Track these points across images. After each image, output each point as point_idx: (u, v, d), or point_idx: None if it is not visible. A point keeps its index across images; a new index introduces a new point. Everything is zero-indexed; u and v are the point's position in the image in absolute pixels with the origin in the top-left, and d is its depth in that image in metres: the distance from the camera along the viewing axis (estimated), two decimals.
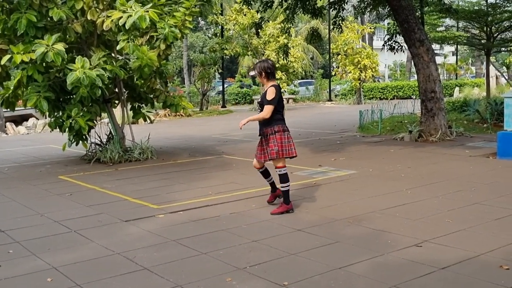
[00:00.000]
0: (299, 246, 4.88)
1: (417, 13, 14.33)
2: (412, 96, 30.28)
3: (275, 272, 4.26)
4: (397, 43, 15.49)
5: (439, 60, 34.41)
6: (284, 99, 6.47)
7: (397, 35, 15.45)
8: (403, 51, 16.25)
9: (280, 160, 6.01)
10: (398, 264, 4.33)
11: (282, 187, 6.09)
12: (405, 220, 5.62)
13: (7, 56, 9.08)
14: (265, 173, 6.28)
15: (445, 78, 44.15)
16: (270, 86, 5.95)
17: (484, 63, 23.55)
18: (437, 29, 22.24)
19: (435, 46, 28.36)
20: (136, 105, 11.68)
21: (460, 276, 4.03)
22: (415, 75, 14.58)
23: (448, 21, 24.40)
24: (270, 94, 5.91)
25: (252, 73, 6.15)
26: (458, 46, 35.24)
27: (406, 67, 47.46)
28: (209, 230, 5.52)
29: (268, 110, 5.89)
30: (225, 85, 30.49)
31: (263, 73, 5.99)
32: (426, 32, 13.74)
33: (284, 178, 6.04)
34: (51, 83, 9.81)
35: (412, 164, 9.07)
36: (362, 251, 4.68)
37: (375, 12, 18.73)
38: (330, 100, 32.60)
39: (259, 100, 6.13)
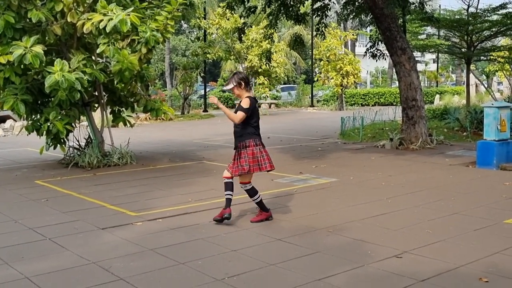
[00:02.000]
0: (279, 256, 4.82)
1: (399, 21, 14.41)
2: (393, 103, 30.52)
3: (254, 283, 4.19)
4: (379, 51, 15.57)
5: (420, 67, 34.71)
6: (259, 110, 6.32)
7: (379, 43, 15.54)
8: (385, 59, 16.36)
9: (247, 176, 5.91)
10: (378, 276, 4.29)
11: (254, 200, 6.02)
12: (385, 230, 5.60)
13: None
14: (230, 186, 5.95)
15: (426, 85, 44.59)
16: (246, 97, 5.85)
17: (465, 71, 23.81)
18: (419, 37, 22.43)
19: (417, 54, 28.66)
20: (116, 109, 11.52)
21: None
22: (397, 82, 14.68)
23: (430, 29, 24.64)
24: (246, 103, 5.80)
25: (228, 86, 5.92)
26: (439, 54, 35.62)
27: (387, 73, 47.90)
28: (188, 238, 5.43)
29: (240, 115, 5.76)
30: (207, 89, 30.37)
31: (243, 83, 5.88)
32: (408, 41, 13.83)
33: (251, 192, 5.97)
34: (29, 85, 9.62)
35: (393, 172, 9.08)
36: (342, 261, 4.64)
37: (357, 19, 18.84)
38: (312, 105, 32.68)
39: (234, 110, 5.96)
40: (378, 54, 15.54)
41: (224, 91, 33.94)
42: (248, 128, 5.86)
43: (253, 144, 5.84)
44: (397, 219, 6.01)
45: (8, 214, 6.56)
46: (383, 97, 33.81)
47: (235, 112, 5.86)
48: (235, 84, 5.88)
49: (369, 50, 15.61)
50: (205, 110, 27.91)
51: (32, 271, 4.52)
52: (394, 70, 13.90)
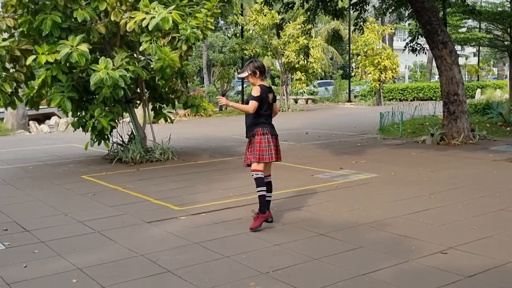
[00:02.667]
0: (322, 250, 4.86)
1: (439, 14, 14.18)
2: (432, 98, 30.01)
3: (299, 277, 4.24)
4: (419, 45, 15.36)
5: (460, 61, 34.05)
6: (273, 101, 6.01)
7: (419, 37, 15.33)
8: (425, 53, 16.13)
9: (259, 164, 5.74)
10: (423, 271, 4.29)
11: (257, 191, 5.73)
12: (429, 225, 5.56)
13: (32, 57, 9.20)
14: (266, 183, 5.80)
15: (467, 79, 43.64)
16: (257, 85, 5.73)
17: (507, 64, 23.20)
18: (459, 30, 22.00)
19: (457, 47, 28.04)
20: (157, 106, 11.75)
21: (487, 285, 3.97)
22: (436, 76, 14.45)
23: (471, 22, 24.11)
24: (256, 91, 5.67)
25: (243, 74, 5.82)
26: (480, 47, 34.81)
27: (426, 68, 47.07)
28: (232, 233, 5.52)
29: (252, 105, 5.61)
30: (244, 85, 30.49)
31: (257, 72, 5.74)
32: (449, 34, 13.59)
33: (258, 182, 5.71)
34: (74, 83, 9.90)
35: (435, 168, 8.97)
36: (386, 257, 4.65)
37: (395, 13, 18.59)
38: (349, 101, 32.44)
39: (246, 100, 5.88)
40: (418, 48, 15.33)
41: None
42: (257, 117, 5.72)
43: (261, 133, 5.71)
44: (441, 215, 5.96)
45: (58, 207, 6.80)
46: (422, 92, 33.28)
47: (247, 102, 5.75)
48: (249, 72, 5.76)
49: (409, 45, 15.41)
50: None
51: (84, 263, 4.69)
52: (433, 64, 13.69)
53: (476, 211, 6.09)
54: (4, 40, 9.37)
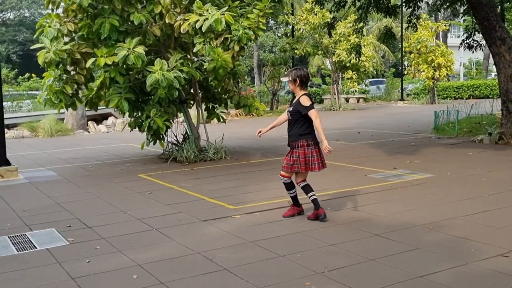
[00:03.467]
0: (378, 251, 4.83)
1: (497, 10, 13.74)
2: (489, 96, 29.07)
3: (354, 278, 4.24)
4: (475, 42, 14.93)
5: None
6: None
7: (476, 33, 14.90)
8: (482, 50, 15.65)
9: (301, 174, 5.97)
10: (483, 274, 4.19)
11: (311, 195, 5.97)
12: (488, 227, 5.43)
13: (92, 59, 9.53)
14: (307, 188, 6.00)
15: None
16: (303, 95, 5.84)
17: None
18: None
19: None
20: (210, 106, 11.94)
21: None
22: (493, 74, 13.96)
23: None
24: (307, 101, 5.77)
25: (285, 78, 6.12)
26: None
27: (483, 65, 45.59)
28: (286, 232, 5.56)
29: (316, 113, 5.75)
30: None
31: (298, 80, 5.85)
32: (507, 30, 13.14)
33: (288, 186, 6.03)
34: (131, 84, 10.20)
35: (493, 168, 8.72)
36: (444, 259, 4.57)
37: (450, 9, 18.13)
38: (402, 99, 31.83)
39: (290, 108, 5.92)
40: (475, 45, 14.89)
41: (311, 86, 33.92)
42: (302, 126, 5.83)
43: (305, 144, 5.81)
44: (501, 217, 5.80)
45: (117, 205, 7.03)
46: (478, 90, 32.25)
47: (292, 116, 5.85)
48: (290, 79, 5.91)
49: (465, 41, 15.00)
50: None
51: (143, 259, 4.85)
52: (490, 61, 13.26)
53: None
54: (65, 44, 9.74)
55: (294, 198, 6.16)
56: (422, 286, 4.01)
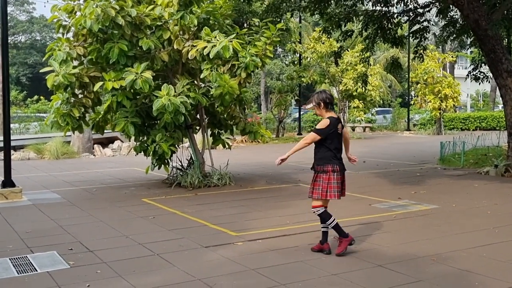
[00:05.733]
0: (381, 283, 4.77)
1: (504, 42, 13.82)
2: (496, 128, 29.01)
3: None
4: (482, 73, 14.98)
5: None
6: (348, 133, 6.05)
7: (482, 65, 14.95)
8: (489, 82, 15.69)
9: (320, 200, 5.73)
10: None
11: (323, 226, 5.79)
12: (493, 261, 5.36)
13: (100, 83, 9.63)
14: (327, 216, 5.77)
15: None
16: (326, 118, 5.69)
17: None
18: None
19: None
20: (216, 131, 11.98)
21: None
22: (500, 106, 13.94)
23: None
24: (321, 124, 5.65)
25: (308, 106, 5.85)
26: None
27: (490, 97, 45.65)
28: (288, 260, 5.51)
29: (310, 137, 5.64)
30: (301, 112, 30.58)
31: (322, 104, 5.70)
32: None
33: (324, 216, 5.72)
34: (138, 108, 10.26)
35: (499, 201, 8.65)
36: None
37: (457, 40, 18.25)
38: (408, 129, 31.84)
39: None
40: (481, 76, 14.94)
41: (317, 115, 34.02)
42: (326, 151, 5.66)
43: (331, 170, 5.64)
44: (507, 250, 5.73)
45: (119, 229, 7.01)
46: (485, 121, 32.23)
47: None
48: (314, 104, 5.77)
49: (472, 73, 15.05)
50: (299, 133, 28.09)
51: (143, 285, 4.81)
52: (497, 93, 13.28)
53: None
54: (74, 67, 9.86)
55: (337, 228, 5.71)
56: None
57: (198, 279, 4.95)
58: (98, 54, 9.90)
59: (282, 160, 5.90)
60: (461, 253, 5.65)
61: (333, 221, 5.72)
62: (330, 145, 5.67)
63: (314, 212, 5.81)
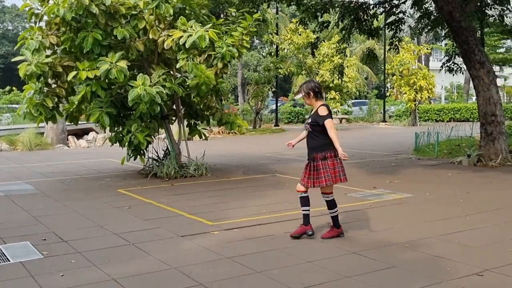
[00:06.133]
0: (355, 269, 4.83)
1: (477, 34, 14.03)
2: (469, 119, 29.50)
3: None
4: (456, 65, 15.19)
5: (499, 82, 33.34)
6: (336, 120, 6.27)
7: (456, 56, 15.16)
8: (462, 73, 15.92)
9: (329, 187, 5.82)
10: None
11: (331, 212, 5.92)
12: (464, 247, 5.47)
13: (73, 73, 9.49)
14: (305, 201, 5.91)
15: (505, 101, 42.73)
16: (321, 105, 5.79)
17: None
18: (498, 50, 21.67)
19: (495, 68, 27.58)
20: (192, 122, 11.93)
21: None
22: (473, 97, 14.21)
23: (510, 42, 23.73)
24: (325, 110, 5.73)
25: (298, 95, 5.91)
26: None
27: (463, 88, 46.38)
28: (264, 249, 5.54)
29: (332, 123, 5.70)
30: (279, 104, 30.63)
31: (311, 93, 5.80)
32: (486, 54, 13.41)
33: (332, 203, 5.88)
34: (113, 99, 10.15)
35: (471, 189, 8.81)
36: (420, 277, 4.59)
37: (432, 32, 18.47)
38: (384, 121, 32.17)
39: (309, 120, 5.85)
40: (455, 68, 15.15)
41: (294, 106, 34.13)
42: (326, 137, 5.72)
43: (333, 155, 5.73)
44: (477, 237, 5.85)
45: (94, 220, 6.94)
46: (458, 113, 32.73)
47: (312, 127, 5.75)
48: (303, 93, 5.84)
49: (446, 64, 15.25)
50: (276, 125, 28.15)
51: (118, 274, 4.78)
52: (470, 85, 13.50)
53: None
54: (47, 56, 9.70)
55: (335, 219, 5.93)
56: None
57: (173, 268, 4.94)
58: (72, 43, 9.75)
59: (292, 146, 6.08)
60: (433, 240, 5.75)
61: (336, 211, 5.91)
62: (325, 131, 5.74)
63: (324, 197, 5.87)
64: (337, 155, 5.72)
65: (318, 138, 5.77)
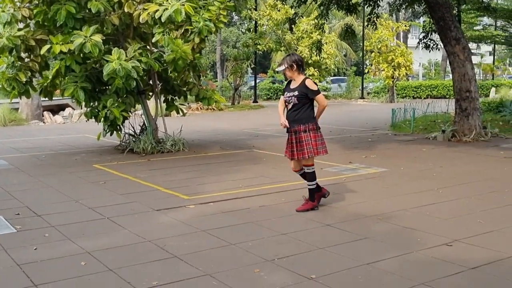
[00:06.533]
0: (328, 240, 4.91)
1: (454, 11, 14.10)
2: (446, 96, 29.83)
3: (303, 265, 4.29)
4: (432, 41, 15.28)
5: (475, 59, 33.69)
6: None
7: (433, 33, 15.25)
8: (439, 49, 16.03)
9: (311, 159, 5.88)
10: (427, 262, 4.31)
11: (309, 185, 5.99)
12: (435, 219, 5.58)
13: (47, 46, 9.32)
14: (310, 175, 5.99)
15: (481, 78, 43.26)
16: (307, 79, 5.83)
17: None
18: (474, 28, 21.85)
19: (472, 46, 27.79)
20: (170, 98, 11.84)
21: (490, 277, 3.99)
22: (450, 75, 14.35)
23: (486, 20, 23.93)
24: (313, 85, 5.82)
25: (281, 67, 5.89)
26: (496, 45, 34.46)
27: (441, 66, 46.75)
28: (239, 222, 5.59)
29: (323, 98, 5.86)
30: (257, 80, 30.53)
31: (294, 66, 5.79)
32: (462, 31, 13.51)
33: (312, 176, 5.94)
34: (88, 73, 10.01)
35: (445, 164, 8.96)
36: (391, 248, 4.68)
37: (410, 9, 18.52)
38: (362, 97, 32.35)
39: (295, 93, 5.78)
40: (432, 44, 15.25)
41: (273, 83, 34.06)
42: (311, 110, 5.82)
43: (315, 128, 5.84)
44: (448, 209, 5.97)
45: (69, 194, 6.91)
46: (435, 90, 33.06)
47: (298, 100, 5.74)
48: (286, 66, 5.81)
49: (422, 41, 15.34)
50: (255, 101, 28.11)
51: (92, 247, 4.78)
52: (448, 62, 13.61)
53: (484, 206, 6.09)
54: (19, 30, 9.49)
55: (312, 192, 5.97)
56: (367, 273, 4.10)
57: (148, 241, 4.96)
58: (45, 16, 9.54)
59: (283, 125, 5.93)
60: (406, 212, 5.85)
61: (315, 184, 5.96)
62: (311, 105, 5.83)
63: (307, 170, 5.92)
64: (319, 127, 5.86)
65: (302, 111, 5.79)
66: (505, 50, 43.16)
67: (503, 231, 5.11)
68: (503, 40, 21.26)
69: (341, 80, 38.41)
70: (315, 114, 5.91)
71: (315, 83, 5.94)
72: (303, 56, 25.79)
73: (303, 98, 5.78)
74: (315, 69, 26.87)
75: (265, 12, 25.50)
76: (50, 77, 10.60)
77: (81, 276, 4.10)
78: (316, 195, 6.06)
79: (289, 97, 5.86)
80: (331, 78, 35.81)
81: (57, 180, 7.95)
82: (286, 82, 6.21)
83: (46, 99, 11.29)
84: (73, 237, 5.08)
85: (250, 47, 25.87)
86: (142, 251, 4.68)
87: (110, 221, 5.66)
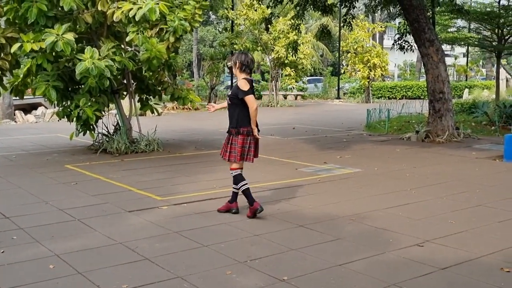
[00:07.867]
0: (301, 242, 4.90)
1: (428, 13, 14.26)
2: (421, 97, 30.19)
3: (275, 266, 4.27)
4: (407, 43, 15.43)
5: (449, 61, 34.23)
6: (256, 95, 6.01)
7: (407, 35, 15.40)
8: (413, 51, 16.20)
9: (234, 163, 5.71)
10: (398, 262, 4.33)
11: (233, 187, 5.84)
12: (407, 219, 5.62)
13: (17, 44, 9.11)
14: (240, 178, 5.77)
15: (455, 79, 43.91)
16: (243, 79, 5.60)
17: (495, 65, 23.42)
18: (448, 29, 22.12)
19: (446, 47, 28.17)
20: (144, 97, 11.73)
21: (460, 277, 4.03)
22: (425, 76, 14.50)
23: (460, 22, 24.24)
24: (244, 85, 5.53)
25: (229, 62, 5.96)
26: (469, 47, 35.02)
27: (416, 67, 47.32)
28: (212, 223, 5.54)
29: (253, 100, 5.54)
30: (234, 80, 30.46)
31: (238, 64, 5.59)
32: (436, 33, 13.67)
33: (235, 179, 5.76)
34: (60, 72, 9.84)
35: (418, 164, 9.05)
36: (363, 248, 4.69)
37: (386, 11, 18.68)
38: (338, 98, 32.53)
39: (229, 93, 5.69)
40: (406, 46, 15.39)
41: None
42: (244, 112, 5.59)
43: (246, 133, 5.63)
44: (420, 209, 6.02)
45: (39, 195, 6.77)
46: (410, 91, 33.44)
47: (231, 100, 5.61)
48: (232, 62, 5.71)
49: (397, 42, 15.48)
50: None
51: (62, 249, 4.69)
52: (422, 63, 13.75)
53: (455, 206, 6.16)
54: None
55: (246, 192, 5.70)
56: (339, 274, 4.10)
57: (119, 243, 4.88)
58: (16, 13, 9.32)
59: (212, 109, 6.01)
60: (379, 213, 5.88)
61: (244, 185, 5.71)
62: (244, 106, 5.60)
63: (231, 174, 5.81)
64: (251, 133, 5.64)
65: (235, 112, 5.63)
66: (478, 52, 43.87)
67: (473, 232, 5.17)
68: (476, 42, 21.54)
69: (317, 80, 38.59)
70: (246, 118, 5.60)
71: (251, 83, 5.61)
72: (279, 56, 25.83)
73: (234, 99, 5.62)
74: (292, 69, 26.93)
75: (242, 11, 25.45)
76: (21, 75, 10.40)
77: (49, 280, 4.01)
78: (228, 205, 5.89)
79: (226, 97, 5.77)
80: (308, 78, 35.94)
81: (27, 181, 7.79)
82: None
83: (18, 98, 11.07)
84: (42, 239, 4.97)
85: (226, 47, 25.77)
86: (113, 254, 4.60)
87: (81, 222, 5.56)
